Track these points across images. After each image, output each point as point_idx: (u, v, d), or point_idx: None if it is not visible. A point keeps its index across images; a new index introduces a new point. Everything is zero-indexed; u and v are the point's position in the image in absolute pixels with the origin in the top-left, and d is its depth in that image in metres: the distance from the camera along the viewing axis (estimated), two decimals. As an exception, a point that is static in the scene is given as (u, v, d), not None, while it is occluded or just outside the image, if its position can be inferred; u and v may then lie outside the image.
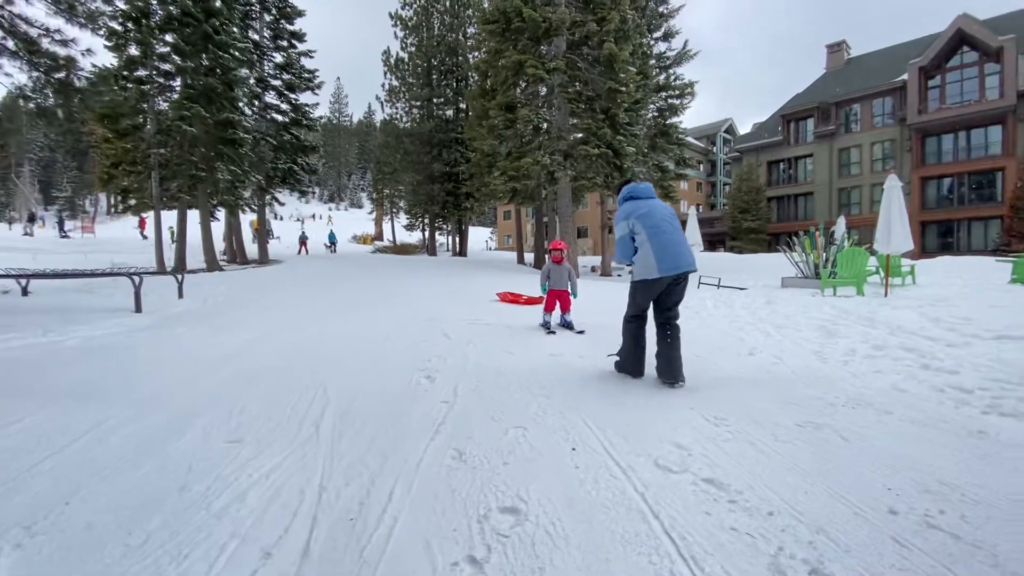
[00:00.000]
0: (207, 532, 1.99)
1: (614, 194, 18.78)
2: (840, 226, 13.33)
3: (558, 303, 6.30)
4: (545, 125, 16.07)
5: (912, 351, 4.45)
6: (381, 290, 10.45)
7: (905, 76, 31.27)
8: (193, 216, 20.94)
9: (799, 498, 2.13)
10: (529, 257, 28.01)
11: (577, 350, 5.04)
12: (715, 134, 54.94)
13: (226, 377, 4.05)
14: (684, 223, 25.27)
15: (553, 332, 5.88)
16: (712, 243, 48.19)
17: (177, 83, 14.95)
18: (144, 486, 2.33)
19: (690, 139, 41.28)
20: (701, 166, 54.37)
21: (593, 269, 24.00)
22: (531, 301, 8.78)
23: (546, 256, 23.63)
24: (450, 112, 26.79)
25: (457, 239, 31.03)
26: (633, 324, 3.97)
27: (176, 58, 14.47)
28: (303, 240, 28.57)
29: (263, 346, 5.20)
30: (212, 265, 15.89)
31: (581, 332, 5.88)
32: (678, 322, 3.85)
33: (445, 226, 31.63)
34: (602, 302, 8.49)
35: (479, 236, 62.46)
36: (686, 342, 5.61)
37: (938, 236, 30.76)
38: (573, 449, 2.65)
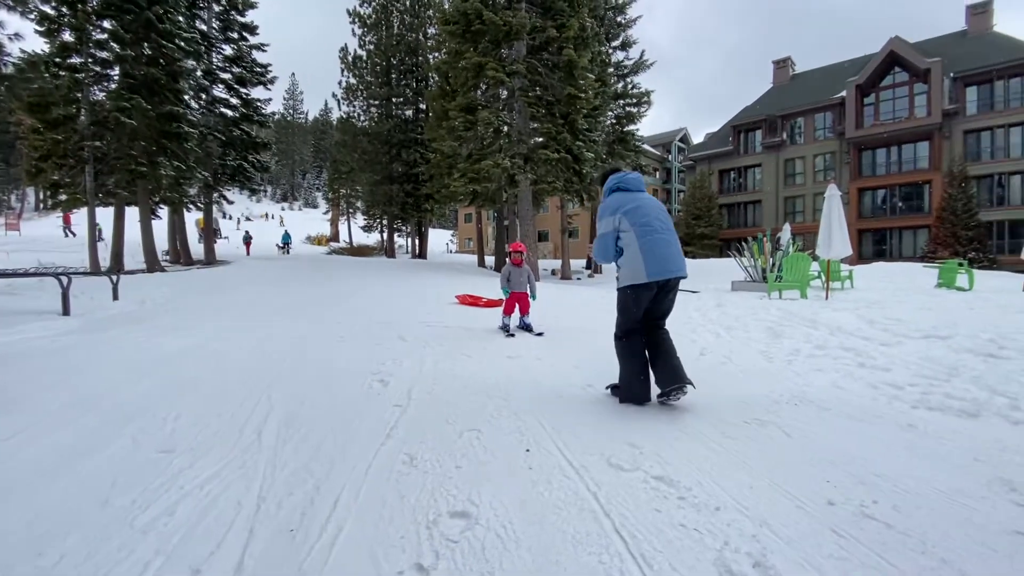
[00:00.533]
0: (129, 550, 1.84)
1: (575, 197, 19.07)
2: (785, 232, 13.97)
3: (517, 305, 6.28)
4: (506, 128, 16.12)
5: (850, 350, 4.70)
6: (336, 292, 10.15)
7: (844, 93, 33.28)
8: (132, 214, 19.76)
9: (745, 493, 2.19)
10: (490, 260, 27.98)
11: (536, 352, 5.04)
12: (670, 143, 56.70)
13: (162, 382, 3.80)
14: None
15: (512, 335, 5.85)
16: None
17: (116, 72, 14.08)
18: (61, 501, 2.14)
19: (647, 147, 42.41)
20: (657, 173, 55.97)
21: (553, 272, 24.23)
22: (491, 303, 8.75)
23: (507, 259, 23.53)
24: (409, 112, 26.48)
25: (417, 241, 30.67)
26: (627, 341, 3.33)
27: (115, 46, 13.63)
28: (247, 240, 27.51)
29: (205, 350, 4.93)
30: (152, 265, 15.02)
31: (540, 334, 5.89)
32: (666, 328, 3.39)
33: (404, 228, 31.20)
34: (561, 304, 8.56)
35: (439, 238, 61.96)
36: None
37: (873, 243, 32.84)
38: (527, 450, 2.63)
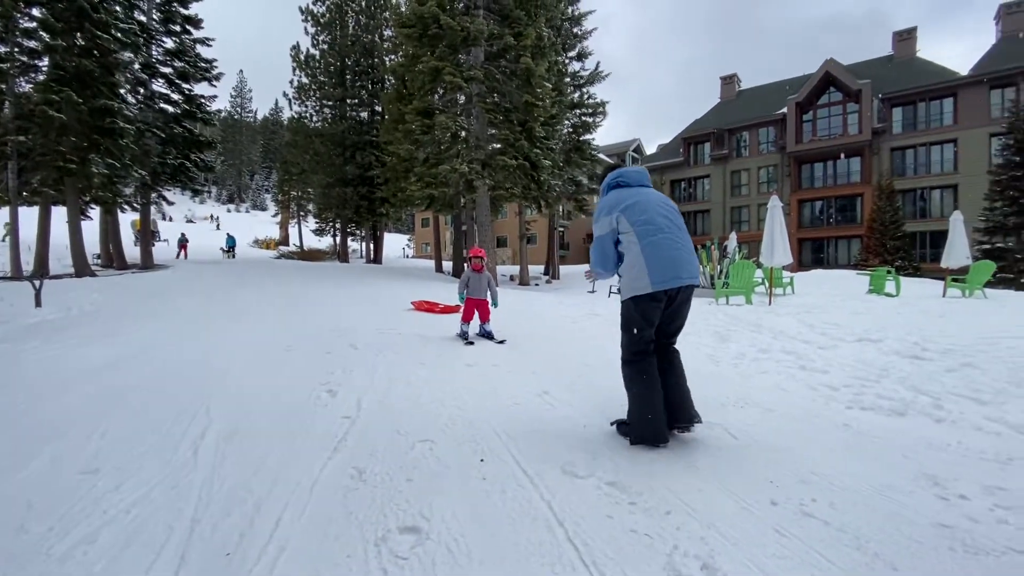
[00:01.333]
0: (42, 583, 1.67)
1: (533, 204, 19.22)
2: (732, 241, 14.59)
3: (477, 312, 6.14)
4: (463, 133, 16.09)
5: (791, 353, 4.95)
6: (284, 298, 9.78)
7: (785, 109, 35.25)
8: (60, 214, 18.36)
9: (693, 496, 2.23)
10: (448, 265, 27.79)
11: (493, 359, 5.02)
12: (625, 152, 58.09)
13: (88, 396, 3.52)
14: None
15: (471, 342, 5.73)
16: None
17: (45, 63, 13.09)
18: (-39, 533, 1.93)
19: (602, 156, 43.23)
20: (612, 181, 57.20)
21: (512, 278, 24.30)
22: (448, 310, 8.67)
23: (465, 264, 23.19)
24: (365, 114, 26.01)
25: (371, 246, 30.08)
26: (637, 365, 2.76)
27: (44, 35, 12.68)
28: (182, 243, 26.13)
29: (138, 360, 4.61)
30: (82, 269, 13.99)
31: (502, 342, 5.78)
32: (676, 347, 2.95)
33: (358, 232, 30.53)
34: (522, 312, 8.56)
35: (395, 243, 61.03)
36: (588, 350, 5.75)
37: (812, 251, 34.82)
38: (482, 460, 2.60)
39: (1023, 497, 2.18)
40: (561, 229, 43.79)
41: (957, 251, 10.34)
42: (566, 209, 33.13)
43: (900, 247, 28.80)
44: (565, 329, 7.25)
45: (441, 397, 3.67)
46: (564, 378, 4.29)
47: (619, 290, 2.81)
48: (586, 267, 18.31)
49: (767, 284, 11.38)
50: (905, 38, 35.07)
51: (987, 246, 22.11)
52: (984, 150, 28.41)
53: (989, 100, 28.41)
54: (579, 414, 3.34)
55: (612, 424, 3.05)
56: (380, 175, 22.41)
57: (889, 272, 12.19)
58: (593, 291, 16.35)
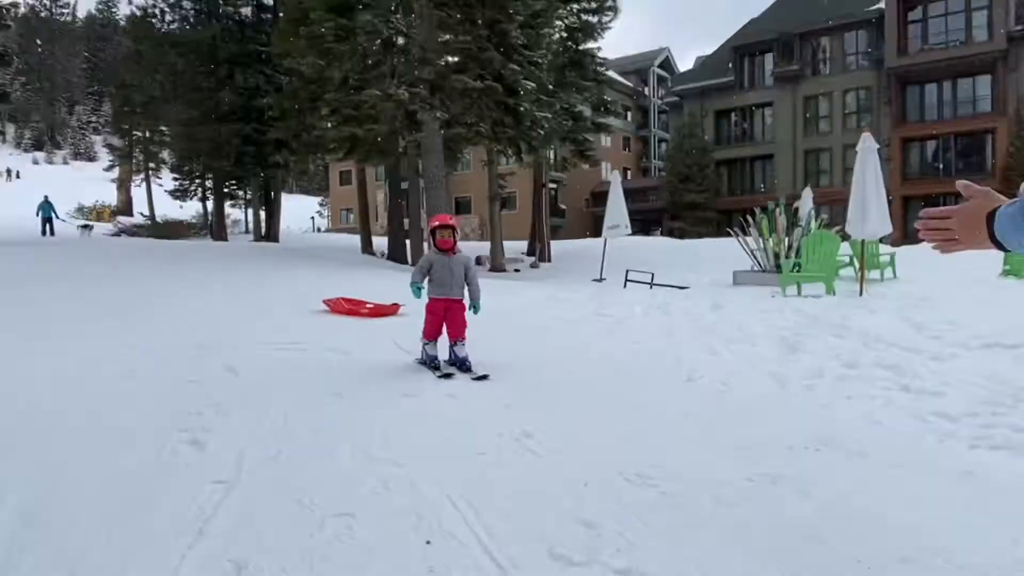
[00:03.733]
0: None
1: (510, 148, 19.20)
2: (806, 201, 14.84)
3: (445, 324, 5.62)
4: (401, 40, 15.92)
5: (891, 368, 5.06)
6: (125, 299, 9.58)
7: (882, 4, 35.90)
8: None
9: (746, 587, 2.26)
10: (380, 242, 27.59)
11: (448, 388, 5.02)
12: (647, 69, 58.68)
13: None
14: (603, 195, 26.23)
15: (448, 374, 5.34)
16: (646, 224, 51.33)
17: None
18: None
19: (613, 74, 43.61)
20: (629, 114, 57.75)
21: (479, 261, 24.27)
22: (381, 312, 8.67)
23: (425, 243, 23.38)
24: (247, 10, 25.53)
25: (263, 214, 29.69)
26: None
27: None
28: None
29: None
30: None
31: (483, 377, 5.28)
32: None
33: (242, 193, 30.07)
34: (493, 312, 8.31)
35: (300, 210, 60.41)
36: (591, 368, 5.83)
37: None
38: (428, 543, 2.59)
39: None
40: (553, 187, 43.96)
41: None
42: (560, 156, 33.14)
43: (1049, 207, 29.81)
44: (558, 337, 7.26)
45: (366, 447, 3.65)
46: (554, 414, 4.28)
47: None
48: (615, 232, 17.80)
49: (856, 265, 11.61)
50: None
51: None
52: None
53: None
54: (575, 467, 3.35)
55: None
56: (273, 105, 22.03)
57: (1032, 245, 12.55)
58: (601, 279, 16.48)
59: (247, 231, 37.13)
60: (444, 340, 5.69)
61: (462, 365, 5.53)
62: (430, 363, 5.61)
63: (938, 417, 4.02)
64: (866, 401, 4.42)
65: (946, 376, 4.76)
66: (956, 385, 4.55)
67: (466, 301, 5.71)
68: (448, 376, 5.29)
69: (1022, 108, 31.23)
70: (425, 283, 5.69)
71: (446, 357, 5.68)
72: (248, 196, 31.30)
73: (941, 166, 35.01)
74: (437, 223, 5.76)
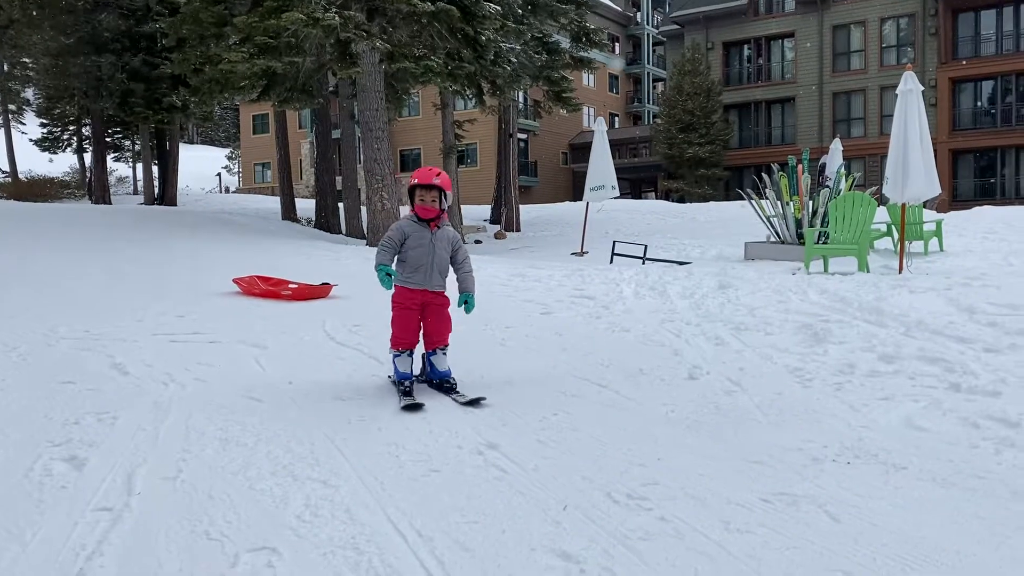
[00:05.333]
0: None
1: (468, 88, 19.03)
2: (835, 156, 15.00)
3: (423, 326, 5.10)
4: (330, -51, 15.65)
5: (936, 362, 5.14)
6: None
7: (928, -91, 36.21)
8: None
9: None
10: (306, 206, 27.30)
11: (393, 390, 4.95)
12: (639, -11, 58.50)
13: None
14: (584, 148, 25.77)
15: (418, 404, 4.64)
16: (638, 184, 51.54)
17: None
18: None
19: (598, -5, 43.51)
20: (617, 46, 57.66)
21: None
22: (306, 293, 8.67)
23: (364, 207, 22.92)
24: (133, -92, 24.90)
25: (156, 171, 29.17)
26: None
27: None
28: None
29: None
30: None
31: (476, 401, 4.74)
32: None
33: (128, 144, 29.45)
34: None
35: (204, 164, 59.46)
36: (584, 350, 5.93)
37: (975, 173, 36.40)
38: (369, 584, 2.58)
39: None
40: (523, 137, 43.86)
41: None
42: (531, 100, 32.95)
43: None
44: (528, 325, 7.26)
45: (290, 463, 3.64)
46: (524, 421, 4.30)
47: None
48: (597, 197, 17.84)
49: (896, 236, 11.80)
50: None
51: None
52: None
53: None
54: (552, 486, 3.37)
55: None
56: (168, 31, 21.55)
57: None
58: (582, 253, 16.55)
59: (136, 191, 36.48)
60: (419, 355, 5.24)
61: (443, 383, 5.05)
62: (402, 385, 4.89)
63: (994, 422, 4.09)
64: (907, 403, 4.48)
65: (1003, 372, 4.84)
66: (1015, 383, 4.63)
67: (461, 290, 5.17)
68: (414, 408, 4.58)
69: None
70: (391, 263, 5.03)
71: (422, 373, 5.24)
72: (137, 148, 30.68)
73: (998, 113, 35.59)
74: (417, 180, 4.94)
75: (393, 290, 5.05)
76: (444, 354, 5.14)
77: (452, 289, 5.16)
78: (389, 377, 5.19)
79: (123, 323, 6.98)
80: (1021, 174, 35.36)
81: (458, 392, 4.92)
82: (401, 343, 5.00)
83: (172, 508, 3.15)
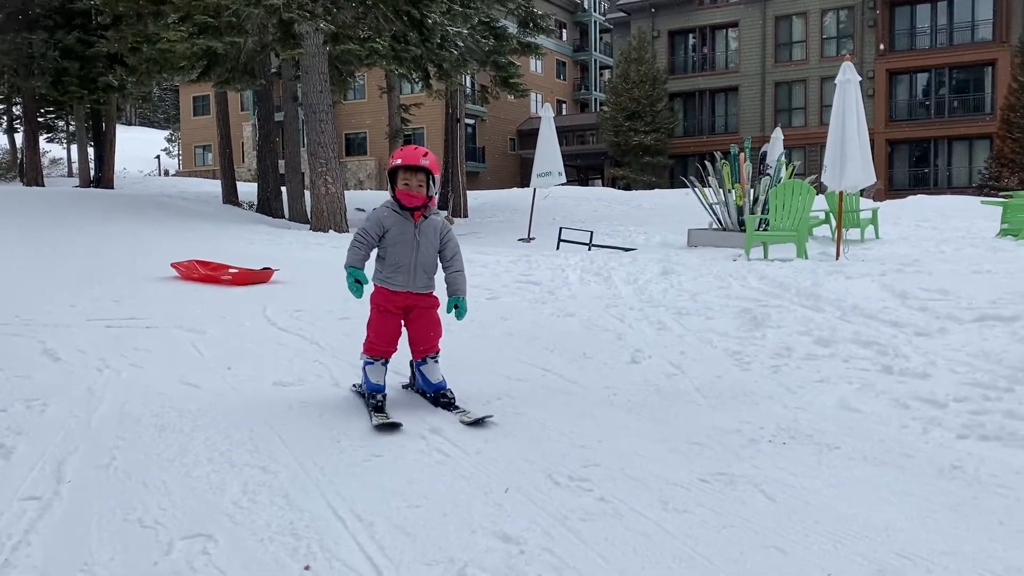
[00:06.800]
0: None
1: (414, 72, 18.87)
2: (776, 144, 15.23)
3: (407, 332, 4.50)
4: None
5: (870, 345, 5.31)
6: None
7: (866, -97, 36.88)
8: None
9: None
10: (248, 190, 26.87)
11: (336, 369, 4.93)
12: (586, -24, 58.60)
13: None
14: (532, 134, 25.96)
15: (396, 425, 3.97)
16: (585, 171, 51.79)
17: None
18: None
19: (545, -19, 43.52)
20: (564, 32, 57.73)
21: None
22: (246, 278, 8.60)
23: (308, 192, 22.47)
24: None
25: (92, 152, 28.47)
26: None
27: None
28: None
29: None
30: None
31: (481, 420, 4.06)
32: None
33: (63, 124, 28.70)
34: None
35: (142, 146, 58.21)
36: (530, 334, 6.01)
37: (910, 163, 37.32)
38: (307, 568, 2.56)
39: None
40: (470, 123, 43.66)
41: None
42: (478, 84, 32.80)
43: (1052, 156, 31.23)
44: (476, 310, 7.25)
45: (228, 447, 3.63)
46: (467, 405, 4.33)
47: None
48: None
49: (833, 223, 12.04)
50: None
51: None
52: None
53: None
54: (494, 470, 3.39)
55: None
56: (103, 8, 21.02)
57: (1033, 200, 13.26)
58: (529, 239, 16.58)
59: (71, 174, 35.57)
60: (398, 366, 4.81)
61: (439, 396, 4.41)
62: (370, 399, 4.26)
63: (923, 403, 4.23)
64: (841, 385, 4.61)
65: (933, 354, 5.01)
66: (944, 365, 4.80)
67: (451, 294, 4.52)
68: (390, 429, 3.93)
69: (1025, 37, 32.52)
70: (363, 254, 4.36)
71: (409, 385, 4.77)
72: (72, 128, 29.88)
73: (931, 104, 36.51)
74: (401, 160, 4.23)
75: (357, 292, 4.32)
76: (436, 362, 4.49)
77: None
78: (354, 387, 4.67)
79: (56, 309, 6.88)
80: (953, 165, 36.36)
81: (460, 408, 4.28)
82: (376, 350, 4.34)
83: (104, 496, 3.11)
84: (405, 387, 4.73)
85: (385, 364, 4.36)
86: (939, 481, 3.27)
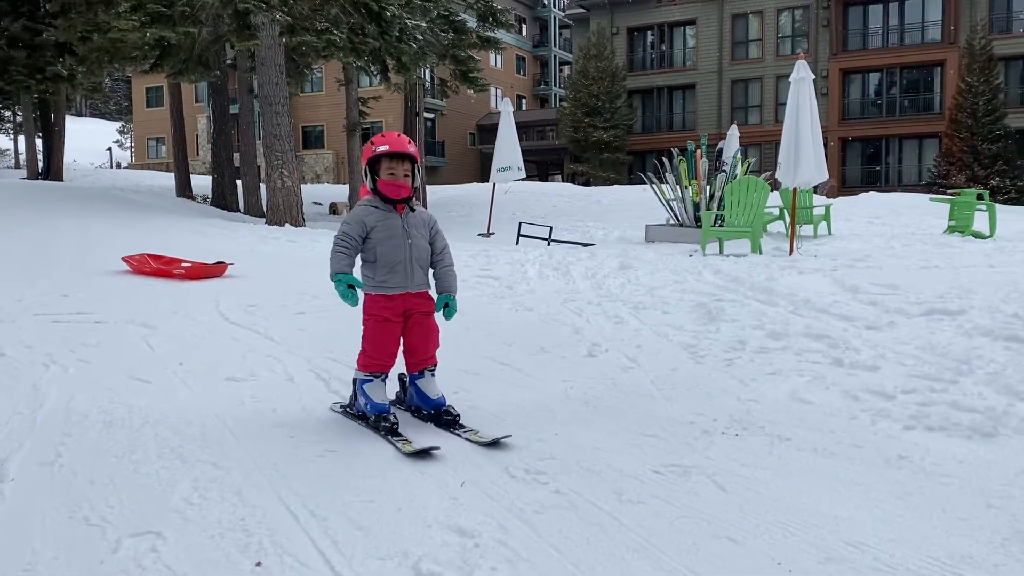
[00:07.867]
0: None
1: (372, 64, 18.76)
2: (731, 142, 15.42)
3: (402, 342, 4.06)
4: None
5: (821, 338, 5.42)
6: None
7: (821, -96, 37.44)
8: None
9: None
10: (203, 183, 26.49)
11: (301, 377, 4.88)
12: (545, -28, 58.68)
13: None
14: (491, 129, 25.96)
15: (428, 451, 3.48)
16: (545, 166, 51.93)
17: None
18: None
19: (504, -24, 43.44)
20: (524, 27, 57.77)
21: (334, 211, 23.80)
22: (200, 272, 8.52)
23: (264, 185, 22.20)
24: None
25: (40, 144, 27.88)
26: None
27: None
28: None
29: None
30: None
31: (497, 442, 3.63)
32: None
33: (9, 115, 28.06)
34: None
35: (93, 138, 57.12)
36: (485, 334, 6.04)
37: (863, 160, 38.04)
38: (258, 564, 2.54)
39: None
40: (429, 117, 43.47)
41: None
42: (437, 78, 32.71)
43: (999, 155, 32.00)
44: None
45: (179, 446, 3.58)
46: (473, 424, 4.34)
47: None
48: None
49: (787, 219, 12.22)
50: None
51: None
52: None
53: None
54: (449, 463, 3.41)
55: None
56: (53, -4, 20.65)
57: (980, 198, 13.60)
58: (488, 234, 16.58)
59: (18, 165, 34.79)
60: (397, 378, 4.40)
61: (441, 414, 3.98)
62: (378, 420, 3.80)
63: (872, 394, 4.33)
64: (793, 377, 4.71)
65: (882, 347, 5.15)
66: (893, 358, 4.93)
67: (433, 291, 4.19)
68: (425, 455, 3.46)
69: (975, 37, 33.15)
70: (348, 258, 3.94)
71: (402, 400, 4.32)
72: (19, 119, 29.20)
73: (883, 103, 37.20)
74: (384, 147, 3.85)
75: (362, 299, 3.97)
76: (433, 375, 4.11)
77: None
78: (339, 408, 4.22)
79: (1, 303, 6.77)
80: (904, 163, 37.10)
81: (468, 428, 3.86)
82: (375, 365, 3.93)
83: (49, 494, 3.07)
84: (392, 403, 4.08)
85: (384, 380, 3.98)
86: (886, 471, 3.35)
